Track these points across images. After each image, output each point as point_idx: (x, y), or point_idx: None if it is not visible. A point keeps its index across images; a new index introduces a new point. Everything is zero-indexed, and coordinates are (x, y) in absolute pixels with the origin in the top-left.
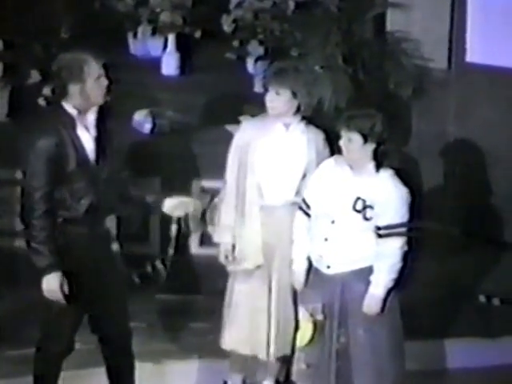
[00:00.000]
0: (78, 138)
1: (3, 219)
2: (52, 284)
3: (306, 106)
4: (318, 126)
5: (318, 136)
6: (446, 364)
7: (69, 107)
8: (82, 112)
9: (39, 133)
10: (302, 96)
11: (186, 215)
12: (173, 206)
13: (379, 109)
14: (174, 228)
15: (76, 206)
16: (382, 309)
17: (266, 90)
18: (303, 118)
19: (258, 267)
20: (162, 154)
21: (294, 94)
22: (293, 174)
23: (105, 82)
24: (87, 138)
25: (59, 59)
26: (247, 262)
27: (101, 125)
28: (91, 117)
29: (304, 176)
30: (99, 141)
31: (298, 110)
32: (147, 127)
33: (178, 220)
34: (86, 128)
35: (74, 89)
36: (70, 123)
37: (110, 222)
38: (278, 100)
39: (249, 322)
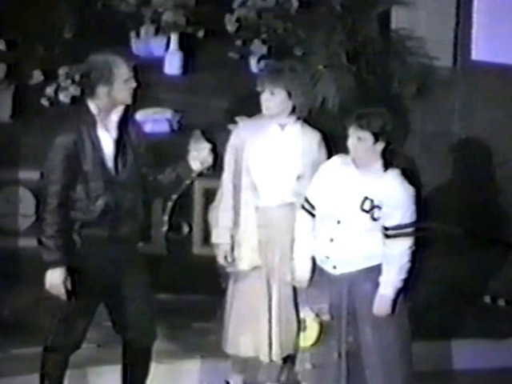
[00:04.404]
0: (97, 137)
1: (7, 219)
2: (55, 279)
3: (302, 107)
4: (315, 127)
5: (313, 137)
6: (452, 365)
7: (92, 106)
8: (106, 112)
9: (59, 129)
10: (297, 96)
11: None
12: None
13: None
14: (169, 205)
15: (92, 206)
16: (393, 309)
17: (262, 90)
18: (299, 118)
19: (255, 268)
20: (164, 154)
21: (289, 95)
22: (288, 174)
23: (133, 84)
24: (107, 139)
25: (89, 60)
26: (243, 263)
27: (123, 127)
28: (114, 118)
29: (299, 177)
30: (119, 142)
31: (294, 110)
32: (149, 127)
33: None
34: (107, 129)
35: (102, 90)
36: (92, 122)
37: None
38: (272, 100)
39: (250, 324)
